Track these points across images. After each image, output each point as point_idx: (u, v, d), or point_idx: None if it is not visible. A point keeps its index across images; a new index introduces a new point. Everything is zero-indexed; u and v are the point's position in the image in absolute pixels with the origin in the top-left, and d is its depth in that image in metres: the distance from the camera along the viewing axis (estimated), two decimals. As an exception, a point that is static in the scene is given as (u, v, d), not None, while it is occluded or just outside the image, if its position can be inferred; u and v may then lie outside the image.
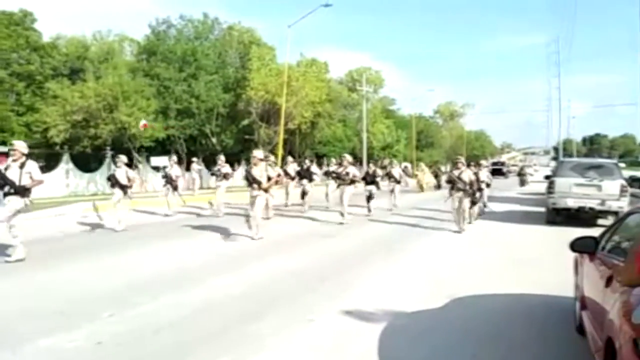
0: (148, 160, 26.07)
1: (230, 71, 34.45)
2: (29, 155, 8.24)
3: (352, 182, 13.28)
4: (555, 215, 13.67)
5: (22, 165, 7.99)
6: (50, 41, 30.86)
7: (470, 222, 12.86)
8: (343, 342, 4.59)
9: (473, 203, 12.77)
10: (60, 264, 7.96)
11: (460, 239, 11.00)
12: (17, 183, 7.86)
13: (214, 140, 32.96)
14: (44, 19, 30.27)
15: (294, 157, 24.41)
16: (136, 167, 27.31)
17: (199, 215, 14.85)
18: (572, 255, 5.01)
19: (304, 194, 16.35)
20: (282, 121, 28.76)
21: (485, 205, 15.18)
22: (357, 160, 42.53)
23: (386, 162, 19.26)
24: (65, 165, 24.67)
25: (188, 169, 25.98)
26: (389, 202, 17.14)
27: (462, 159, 12.82)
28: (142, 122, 23.34)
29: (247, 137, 33.33)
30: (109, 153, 26.32)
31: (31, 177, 8.02)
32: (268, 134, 33.17)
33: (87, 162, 26.96)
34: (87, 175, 26.09)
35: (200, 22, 35.07)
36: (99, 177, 26.01)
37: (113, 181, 11.96)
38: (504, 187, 31.44)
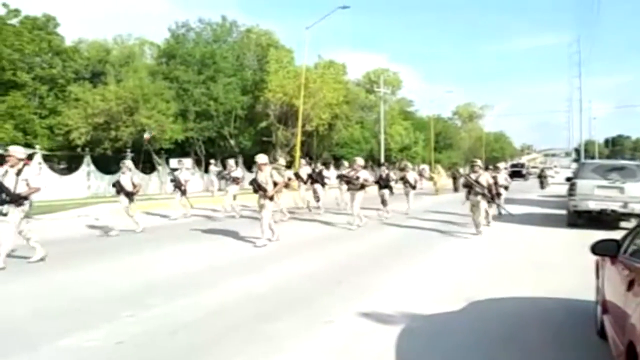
0: (167, 162, 26.34)
1: (248, 74, 34.68)
2: (38, 159, 8.28)
3: (363, 186, 12.80)
4: (577, 218, 13.46)
5: (18, 172, 7.61)
6: (72, 45, 31.42)
7: (487, 225, 12.62)
8: (360, 343, 4.58)
9: (496, 205, 12.68)
10: (79, 264, 8.08)
11: (478, 242, 10.87)
12: (12, 191, 7.49)
13: (232, 142, 33.19)
14: (66, 23, 30.90)
15: (311, 158, 24.42)
16: (156, 169, 27.66)
17: (210, 218, 14.86)
18: (593, 258, 4.93)
19: (317, 198, 16.13)
20: (300, 123, 28.84)
21: (500, 214, 14.39)
22: (375, 162, 42.39)
23: (404, 163, 18.70)
24: (87, 167, 25.06)
25: (207, 171, 26.18)
26: (404, 206, 16.71)
27: (479, 162, 12.47)
28: (147, 134, 23.55)
29: (265, 139, 33.49)
30: (129, 155, 26.64)
31: (28, 184, 7.67)
32: (286, 136, 33.29)
33: (107, 164, 27.32)
34: (107, 177, 26.40)
35: (219, 25, 35.38)
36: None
37: (118, 188, 11.65)
38: (524, 190, 31.07)
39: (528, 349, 4.56)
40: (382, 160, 44.73)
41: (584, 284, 5.72)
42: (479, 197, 11.57)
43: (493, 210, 13.60)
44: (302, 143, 31.70)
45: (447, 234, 11.97)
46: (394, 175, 16.98)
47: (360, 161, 13.50)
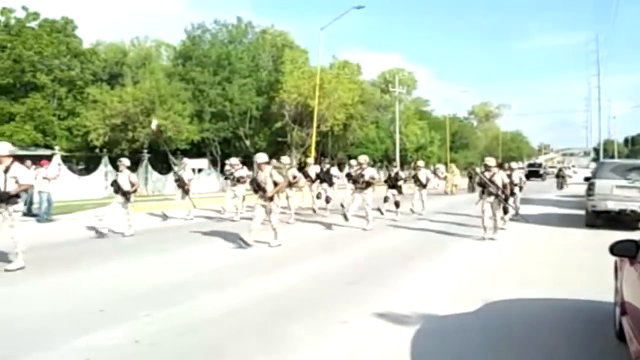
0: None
1: (263, 74, 34.84)
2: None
3: (369, 184, 12.28)
4: (595, 218, 13.28)
5: (6, 170, 7.32)
6: (90, 47, 31.86)
7: (503, 228, 11.90)
8: (375, 343, 4.57)
9: (505, 210, 11.46)
10: (96, 264, 8.16)
11: (494, 243, 10.71)
12: (1, 189, 7.23)
13: (247, 142, 33.37)
14: (83, 25, 31.38)
15: (324, 157, 24.33)
16: (172, 169, 27.89)
17: (214, 219, 14.44)
18: (612, 259, 4.86)
19: (327, 199, 15.50)
20: (315, 123, 28.87)
21: (517, 214, 13.71)
22: (390, 162, 42.29)
23: (420, 163, 17.90)
24: (104, 167, 25.35)
25: (222, 171, 26.34)
26: (415, 206, 16.02)
27: (492, 160, 11.72)
28: (153, 124, 23.44)
29: (280, 139, 33.64)
30: (145, 156, 26.94)
31: (17, 182, 7.37)
32: (301, 136, 33.38)
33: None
34: (125, 177, 26.70)
35: (234, 27, 35.62)
36: (137, 178, 26.64)
37: (115, 187, 11.39)
38: (542, 190, 30.74)
39: (545, 351, 4.51)
40: (398, 160, 44.78)
41: (602, 285, 5.65)
42: (493, 198, 10.80)
43: (507, 216, 12.62)
44: (317, 143, 31.75)
45: (460, 235, 11.58)
46: (403, 174, 16.52)
47: (364, 158, 12.92)
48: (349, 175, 13.36)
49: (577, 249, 10.12)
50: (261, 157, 9.86)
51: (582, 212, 14.46)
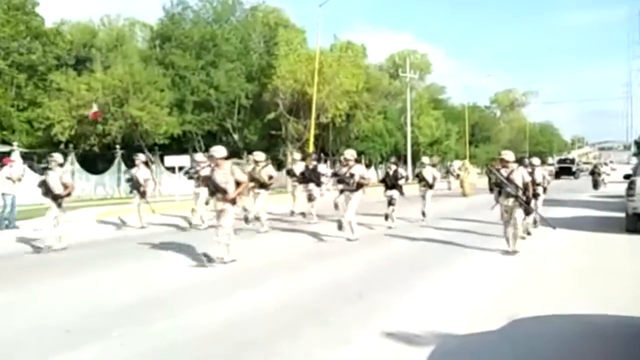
0: (162, 160, 26.54)
1: (254, 58, 34.83)
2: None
3: (360, 186, 11.69)
4: (637, 222, 13.29)
5: None
6: (53, 27, 31.76)
7: (523, 238, 10.97)
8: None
9: (527, 213, 10.65)
10: (70, 274, 8.19)
11: (515, 253, 10.22)
12: None
13: (235, 136, 33.37)
14: (46, 2, 31.17)
15: (327, 154, 24.22)
16: (149, 167, 27.88)
17: (180, 228, 14.17)
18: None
19: (310, 197, 15.10)
20: (313, 114, 28.88)
21: (535, 222, 12.98)
22: (402, 159, 42.28)
23: (425, 160, 17.17)
24: (71, 166, 25.32)
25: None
26: (426, 208, 15.31)
27: (510, 154, 10.61)
28: (93, 109, 22.81)
29: (273, 132, 33.61)
30: (119, 152, 26.94)
31: None
32: (297, 129, 33.35)
33: (94, 163, 27.63)
34: (94, 177, 26.70)
35: (220, 3, 35.52)
36: (108, 178, 26.62)
37: (44, 189, 10.89)
38: (574, 189, 30.77)
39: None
40: (409, 156, 44.76)
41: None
42: (512, 201, 9.99)
43: (530, 220, 12.01)
44: (316, 137, 31.74)
45: (469, 249, 10.76)
46: (404, 172, 15.82)
47: (351, 153, 12.22)
48: (335, 175, 12.90)
49: (614, 258, 10.11)
50: (219, 151, 9.32)
51: (622, 214, 14.47)
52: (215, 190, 9.09)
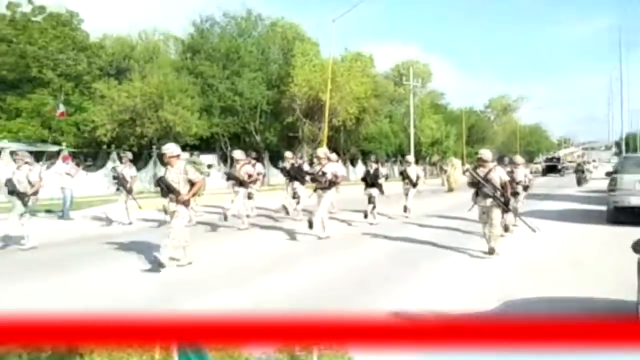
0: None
1: (273, 68, 34.85)
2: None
3: (332, 184, 10.74)
4: (618, 215, 13.16)
5: None
6: (96, 41, 31.96)
7: (503, 236, 9.65)
8: None
9: (505, 212, 9.42)
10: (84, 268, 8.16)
11: (503, 241, 9.65)
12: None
13: (257, 138, 33.45)
14: (90, 19, 31.40)
15: (338, 154, 24.13)
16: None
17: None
18: (635, 257, 4.81)
19: (293, 196, 14.23)
20: (327, 118, 28.87)
21: (506, 228, 10.61)
22: (404, 158, 42.08)
23: (409, 158, 16.48)
24: (112, 164, 25.55)
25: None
26: (409, 204, 14.55)
27: (488, 153, 9.44)
28: (60, 109, 22.18)
29: (290, 134, 33.68)
30: (154, 152, 27.10)
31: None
32: (312, 131, 33.40)
33: (133, 161, 27.77)
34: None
35: (244, 19, 35.57)
36: (145, 175, 26.79)
37: (10, 187, 9.52)
38: (561, 185, 30.46)
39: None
40: (412, 155, 44.45)
41: (625, 284, 5.59)
42: (489, 201, 8.80)
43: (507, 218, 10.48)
44: (329, 138, 31.73)
45: (452, 249, 9.54)
46: (384, 170, 14.90)
47: (324, 151, 11.37)
48: (308, 173, 12.03)
49: (597, 247, 10.01)
50: (171, 149, 8.00)
51: (604, 207, 14.33)
52: (168, 190, 7.73)
